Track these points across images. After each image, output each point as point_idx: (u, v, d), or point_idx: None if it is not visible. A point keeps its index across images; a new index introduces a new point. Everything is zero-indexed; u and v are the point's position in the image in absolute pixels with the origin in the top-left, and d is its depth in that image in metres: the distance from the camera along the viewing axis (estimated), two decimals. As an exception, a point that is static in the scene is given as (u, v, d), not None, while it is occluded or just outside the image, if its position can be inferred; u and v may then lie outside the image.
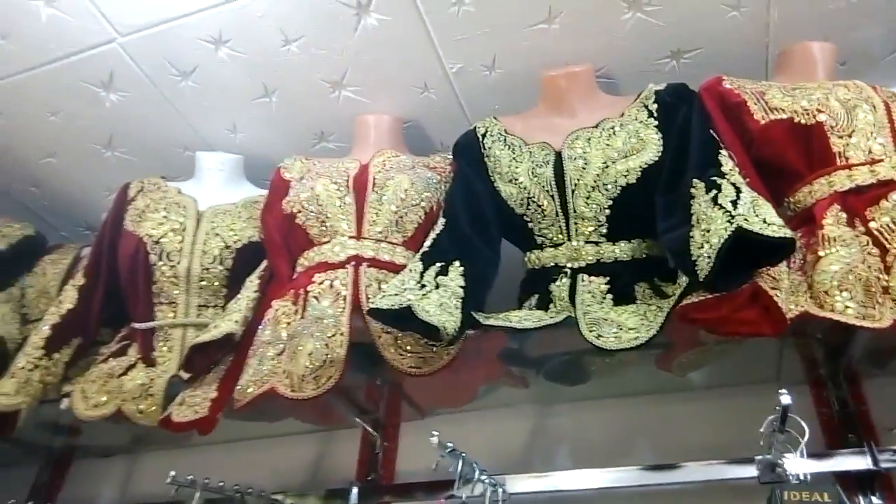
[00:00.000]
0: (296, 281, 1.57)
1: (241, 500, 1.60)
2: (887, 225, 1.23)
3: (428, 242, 1.46)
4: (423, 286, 1.31)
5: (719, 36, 1.66)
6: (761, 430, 1.10)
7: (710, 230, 1.16)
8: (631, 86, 1.70)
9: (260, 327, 1.55)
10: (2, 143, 2.14)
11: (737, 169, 1.28)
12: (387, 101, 1.88)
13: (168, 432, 1.54)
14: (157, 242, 1.74)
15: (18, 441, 1.98)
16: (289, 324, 1.49)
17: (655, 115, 1.50)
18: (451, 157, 1.70)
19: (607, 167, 1.45)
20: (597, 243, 1.44)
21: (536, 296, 1.46)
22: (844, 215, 1.26)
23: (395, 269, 1.51)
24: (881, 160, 1.31)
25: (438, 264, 1.37)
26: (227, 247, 1.76)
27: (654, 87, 1.56)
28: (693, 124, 1.42)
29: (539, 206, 1.49)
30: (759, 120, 1.42)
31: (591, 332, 1.29)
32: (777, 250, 1.14)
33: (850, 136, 1.35)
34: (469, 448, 1.30)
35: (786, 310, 1.15)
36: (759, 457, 1.13)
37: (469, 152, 1.64)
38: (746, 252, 1.12)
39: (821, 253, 1.22)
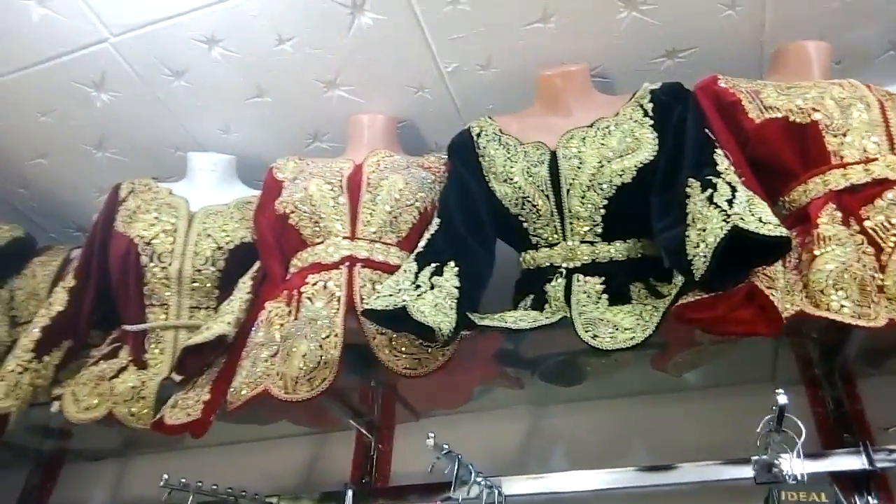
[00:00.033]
0: (289, 282, 1.56)
1: (234, 503, 1.58)
2: (882, 224, 1.23)
3: (422, 243, 1.45)
4: (418, 287, 1.30)
5: (714, 35, 1.66)
6: (758, 430, 1.09)
7: (705, 229, 1.15)
8: (626, 85, 1.70)
9: (253, 329, 1.54)
10: (-8, 144, 2.12)
11: (732, 168, 1.28)
12: (381, 101, 1.87)
13: (160, 435, 1.52)
14: (148, 244, 1.72)
15: (8, 445, 1.97)
16: (282, 325, 1.48)
17: (651, 114, 1.50)
18: (446, 156, 1.70)
19: (602, 166, 1.44)
20: (592, 243, 1.44)
21: (532, 296, 1.45)
22: (839, 214, 1.26)
23: (390, 269, 1.50)
24: (876, 159, 1.31)
25: (433, 265, 1.36)
26: (220, 248, 1.74)
27: (649, 86, 1.56)
28: (688, 123, 1.42)
29: (534, 205, 1.49)
30: (754, 119, 1.42)
31: (586, 332, 1.28)
32: (773, 249, 1.13)
33: (844, 135, 1.35)
34: (464, 450, 1.30)
35: (781, 309, 1.15)
36: (756, 457, 1.13)
37: (464, 152, 1.63)
38: (742, 251, 1.11)
39: (816, 252, 1.21)
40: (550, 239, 1.48)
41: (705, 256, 1.12)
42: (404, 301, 1.24)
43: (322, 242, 1.56)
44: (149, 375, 1.63)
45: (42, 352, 1.69)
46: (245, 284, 1.64)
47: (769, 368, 1.58)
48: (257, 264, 1.69)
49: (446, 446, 1.23)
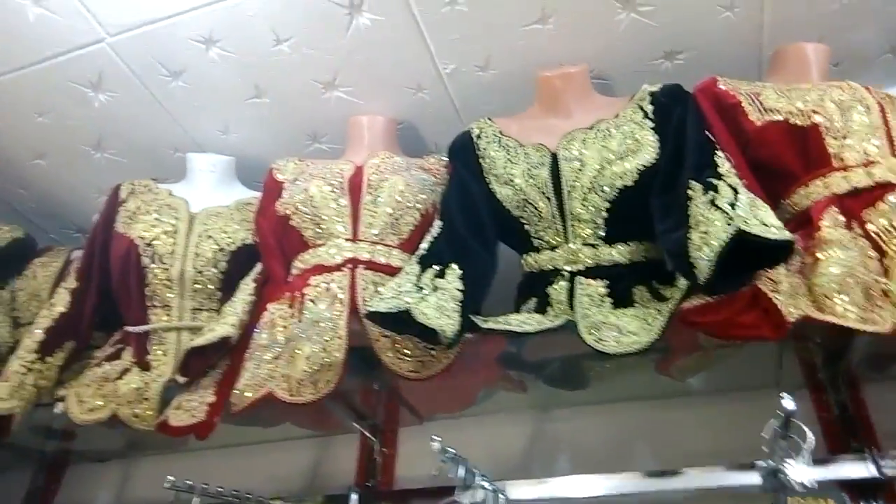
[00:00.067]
0: (291, 284, 1.56)
1: (238, 505, 1.59)
2: (885, 227, 1.23)
3: (424, 245, 1.45)
4: (421, 289, 1.30)
5: (713, 37, 1.66)
6: (764, 434, 1.08)
7: (708, 232, 1.15)
8: (625, 86, 1.70)
9: (256, 330, 1.54)
10: (-11, 144, 2.11)
11: (733, 170, 1.28)
12: (380, 102, 1.86)
13: (165, 436, 1.53)
14: (149, 245, 1.72)
15: (12, 445, 1.97)
16: (285, 327, 1.48)
17: (651, 116, 1.49)
18: (447, 158, 1.69)
19: (603, 169, 1.44)
20: (594, 246, 1.43)
21: (534, 299, 1.45)
22: (842, 218, 1.26)
23: (392, 271, 1.49)
24: (877, 162, 1.31)
25: (435, 267, 1.36)
26: (221, 249, 1.74)
27: (649, 87, 1.55)
28: (688, 125, 1.42)
29: (535, 208, 1.48)
30: (754, 121, 1.42)
31: (591, 335, 1.28)
32: (776, 253, 1.14)
33: (845, 137, 1.35)
34: (467, 453, 1.30)
35: (786, 313, 1.15)
36: (762, 463, 1.12)
37: (464, 154, 1.62)
38: (744, 254, 1.11)
39: (819, 255, 1.21)
40: (552, 241, 1.48)
41: (709, 259, 1.12)
42: (407, 303, 1.24)
43: (324, 244, 1.56)
44: (152, 377, 1.63)
45: (46, 352, 1.69)
46: (247, 286, 1.64)
47: (773, 373, 1.58)
48: (259, 266, 1.69)
49: (452, 450, 1.23)
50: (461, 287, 1.33)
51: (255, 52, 1.77)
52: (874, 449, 1.31)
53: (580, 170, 1.46)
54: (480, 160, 1.59)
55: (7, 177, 2.22)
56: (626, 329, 1.27)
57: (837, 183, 1.31)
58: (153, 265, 1.71)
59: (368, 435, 1.83)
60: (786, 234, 1.10)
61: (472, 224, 1.50)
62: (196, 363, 1.56)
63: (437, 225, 1.49)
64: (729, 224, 1.12)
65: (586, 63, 1.68)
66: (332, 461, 2.00)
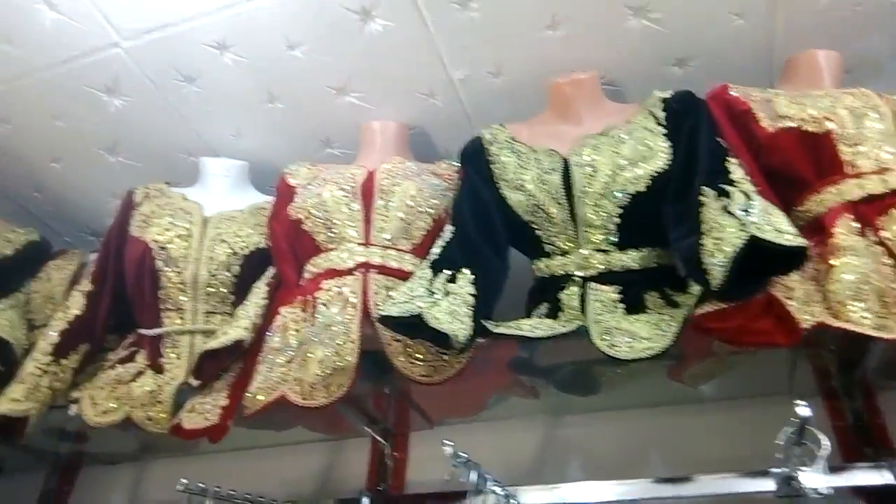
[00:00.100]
0: (303, 287, 1.57)
1: (251, 508, 1.59)
2: None
3: (436, 250, 1.45)
4: (433, 293, 1.30)
5: (724, 44, 1.65)
6: (779, 442, 1.08)
7: (721, 238, 1.15)
8: (635, 93, 1.70)
9: (268, 334, 1.55)
10: (6, 148, 2.13)
11: (746, 177, 1.28)
12: (391, 108, 1.87)
13: (178, 439, 1.54)
14: (163, 248, 1.73)
15: (26, 447, 1.98)
16: (298, 331, 1.49)
17: (663, 122, 1.49)
18: (458, 164, 1.70)
19: (615, 175, 1.44)
20: (606, 251, 1.43)
21: (546, 304, 1.45)
22: (856, 225, 1.26)
23: (404, 276, 1.50)
24: (891, 169, 1.31)
25: (447, 272, 1.36)
26: (234, 253, 1.75)
27: (660, 94, 1.55)
28: (701, 132, 1.42)
29: (547, 213, 1.49)
30: (766, 128, 1.43)
31: (603, 341, 1.28)
32: (790, 259, 1.14)
33: (858, 144, 1.35)
34: (478, 458, 1.29)
35: (800, 320, 1.15)
36: (777, 470, 1.11)
37: (476, 159, 1.63)
38: (758, 261, 1.11)
39: (834, 262, 1.21)
40: (564, 247, 1.48)
41: (722, 266, 1.12)
42: (419, 308, 1.24)
43: (336, 248, 1.56)
44: (165, 380, 1.64)
45: (60, 355, 1.69)
46: (260, 290, 1.65)
47: (786, 380, 1.56)
48: (272, 270, 1.70)
49: (464, 454, 1.23)
50: (473, 292, 1.33)
51: (269, 57, 1.79)
52: (891, 457, 1.29)
53: (592, 175, 1.46)
54: (492, 165, 1.60)
55: (22, 180, 2.24)
56: (638, 335, 1.27)
57: (851, 190, 1.31)
58: (167, 268, 1.72)
59: (380, 439, 1.83)
60: (800, 241, 1.10)
61: (483, 229, 1.50)
62: (209, 366, 1.57)
63: (449, 230, 1.49)
64: (742, 230, 1.12)
65: (597, 70, 1.68)
66: (344, 465, 2.01)
